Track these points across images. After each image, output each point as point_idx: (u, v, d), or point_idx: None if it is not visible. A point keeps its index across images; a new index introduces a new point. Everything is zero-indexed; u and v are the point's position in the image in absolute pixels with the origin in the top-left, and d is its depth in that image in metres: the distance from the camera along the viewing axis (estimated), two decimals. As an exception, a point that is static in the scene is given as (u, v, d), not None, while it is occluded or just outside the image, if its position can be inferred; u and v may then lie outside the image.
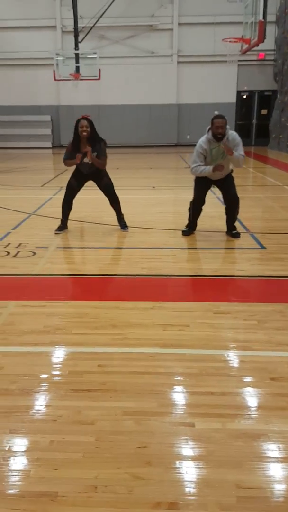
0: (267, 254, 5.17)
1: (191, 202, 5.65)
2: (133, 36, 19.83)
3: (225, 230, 5.80)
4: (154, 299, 3.92)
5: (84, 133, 5.36)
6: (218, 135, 5.11)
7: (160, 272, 4.60)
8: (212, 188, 5.68)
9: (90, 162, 5.50)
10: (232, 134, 5.25)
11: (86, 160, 5.48)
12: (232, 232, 5.73)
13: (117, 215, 6.06)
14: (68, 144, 5.61)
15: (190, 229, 5.80)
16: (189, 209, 5.72)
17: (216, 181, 5.54)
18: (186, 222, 5.84)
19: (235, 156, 5.18)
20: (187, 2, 19.37)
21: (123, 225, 6.03)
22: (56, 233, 5.91)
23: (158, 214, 7.20)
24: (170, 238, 5.77)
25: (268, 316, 3.58)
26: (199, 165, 5.26)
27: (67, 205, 5.98)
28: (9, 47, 19.72)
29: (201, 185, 5.53)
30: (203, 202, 5.61)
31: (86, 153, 5.39)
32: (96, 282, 4.48)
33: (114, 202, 5.96)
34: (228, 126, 5.20)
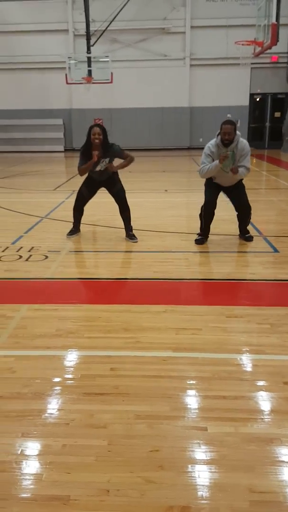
0: (281, 257, 5.14)
1: (202, 207, 5.56)
2: (145, 40, 19.90)
3: (238, 233, 5.78)
4: (167, 303, 3.92)
5: (97, 141, 5.29)
6: (225, 141, 5.08)
7: (173, 275, 4.60)
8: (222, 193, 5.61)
9: (102, 170, 5.45)
10: (242, 143, 5.19)
11: (98, 168, 5.43)
12: (245, 235, 5.69)
13: (125, 225, 5.85)
14: (80, 153, 5.51)
15: (203, 237, 5.64)
16: (200, 215, 5.62)
17: (226, 189, 5.51)
18: (199, 225, 5.73)
19: (239, 174, 5.22)
20: (199, 5, 19.39)
21: (131, 236, 5.78)
22: (68, 237, 5.90)
23: (171, 218, 7.19)
24: (182, 242, 5.76)
25: (282, 320, 3.56)
26: (206, 164, 5.22)
27: (78, 212, 5.96)
28: (21, 51, 19.90)
29: (212, 188, 5.48)
30: (214, 206, 5.49)
31: (99, 157, 5.32)
32: (108, 286, 4.49)
33: (125, 210, 5.79)
34: (238, 133, 5.16)
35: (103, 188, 5.79)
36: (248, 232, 5.72)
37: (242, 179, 5.48)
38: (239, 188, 5.48)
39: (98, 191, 5.87)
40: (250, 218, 5.68)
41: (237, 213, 5.66)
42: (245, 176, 5.36)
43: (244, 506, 1.89)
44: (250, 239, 5.66)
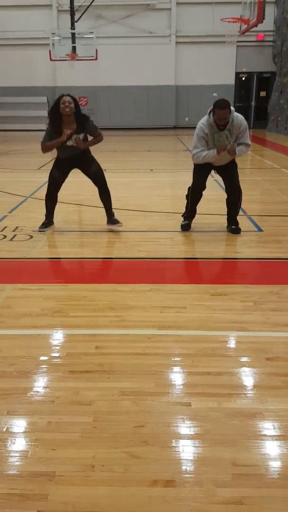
0: (264, 236, 5.17)
1: (189, 188, 5.23)
2: (130, 16, 19.49)
3: (223, 212, 5.66)
4: (152, 282, 3.93)
5: (67, 109, 4.70)
6: (220, 126, 4.66)
7: (158, 255, 4.60)
8: (212, 172, 5.21)
9: (74, 145, 4.86)
10: (238, 118, 4.72)
11: (69, 143, 4.84)
12: (232, 227, 5.25)
13: (106, 210, 5.32)
14: (46, 128, 4.92)
15: (189, 221, 5.34)
16: (187, 196, 5.29)
17: (217, 167, 5.10)
18: (185, 205, 5.44)
19: (238, 153, 4.80)
20: (185, -20, 19.01)
21: (114, 220, 5.29)
22: (40, 231, 5.32)
23: (156, 197, 7.17)
24: (168, 221, 5.75)
25: (264, 297, 3.60)
26: (202, 150, 4.77)
27: (50, 200, 5.36)
28: (3, 26, 19.34)
29: (201, 170, 5.07)
30: (203, 187, 5.15)
31: (71, 133, 4.77)
32: (94, 265, 4.48)
33: (105, 193, 5.25)
34: (232, 109, 4.69)
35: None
36: (237, 223, 5.25)
37: (234, 158, 5.03)
38: (231, 168, 5.05)
39: (76, 172, 5.36)
40: (240, 204, 5.22)
41: (227, 196, 5.20)
42: (246, 153, 4.96)
43: (227, 479, 1.92)
44: (237, 231, 5.20)
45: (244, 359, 2.77)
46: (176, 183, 8.57)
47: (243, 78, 20.62)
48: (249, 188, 7.57)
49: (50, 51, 16.98)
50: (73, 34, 16.79)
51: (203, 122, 4.75)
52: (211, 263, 4.48)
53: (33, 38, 19.36)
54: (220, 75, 19.93)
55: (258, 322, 3.22)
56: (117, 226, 5.29)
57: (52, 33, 17.17)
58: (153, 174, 9.37)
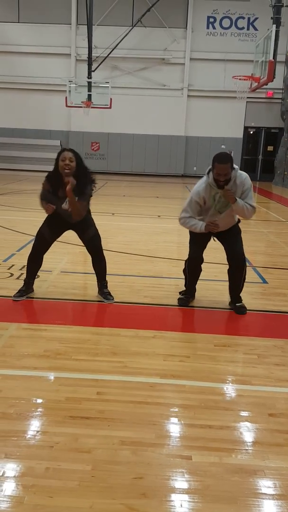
0: (269, 288, 5.20)
1: (186, 262, 4.56)
2: (145, 68, 20.38)
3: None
4: (156, 328, 3.93)
5: (67, 170, 4.02)
6: (220, 183, 4.00)
7: (163, 301, 4.63)
8: (213, 239, 4.49)
9: (69, 210, 4.25)
10: (241, 176, 4.05)
11: (64, 206, 4.23)
12: (236, 304, 4.47)
13: (98, 280, 4.66)
14: (44, 181, 4.27)
15: (188, 296, 4.63)
16: (184, 270, 4.59)
17: (217, 234, 4.38)
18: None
19: (239, 205, 4.02)
20: (199, 38, 20.00)
21: (105, 294, 4.59)
22: (14, 300, 4.46)
23: (163, 243, 7.27)
24: (173, 268, 5.80)
25: (269, 351, 3.59)
26: (190, 217, 4.20)
27: (35, 262, 4.54)
28: (24, 72, 20.27)
29: (199, 239, 4.40)
30: (201, 260, 4.46)
31: (64, 198, 4.17)
32: (98, 308, 4.49)
33: (99, 262, 4.60)
34: (236, 167, 4.04)
35: (93, 211, 4.81)
36: (240, 300, 4.48)
37: (238, 222, 4.41)
38: (234, 233, 4.36)
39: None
40: (245, 279, 4.44)
41: (228, 266, 4.47)
42: (251, 217, 4.22)
43: (225, 538, 1.88)
44: (242, 310, 4.40)
45: (246, 413, 2.75)
46: (182, 230, 8.64)
47: (251, 132, 21.26)
48: (254, 239, 7.68)
49: (66, 97, 17.69)
50: (89, 83, 17.56)
51: (201, 185, 4.13)
52: (216, 312, 4.49)
53: (51, 84, 20.21)
54: (229, 128, 20.59)
55: (261, 376, 3.21)
56: (107, 302, 4.55)
57: (69, 81, 17.96)
58: (160, 220, 9.51)
